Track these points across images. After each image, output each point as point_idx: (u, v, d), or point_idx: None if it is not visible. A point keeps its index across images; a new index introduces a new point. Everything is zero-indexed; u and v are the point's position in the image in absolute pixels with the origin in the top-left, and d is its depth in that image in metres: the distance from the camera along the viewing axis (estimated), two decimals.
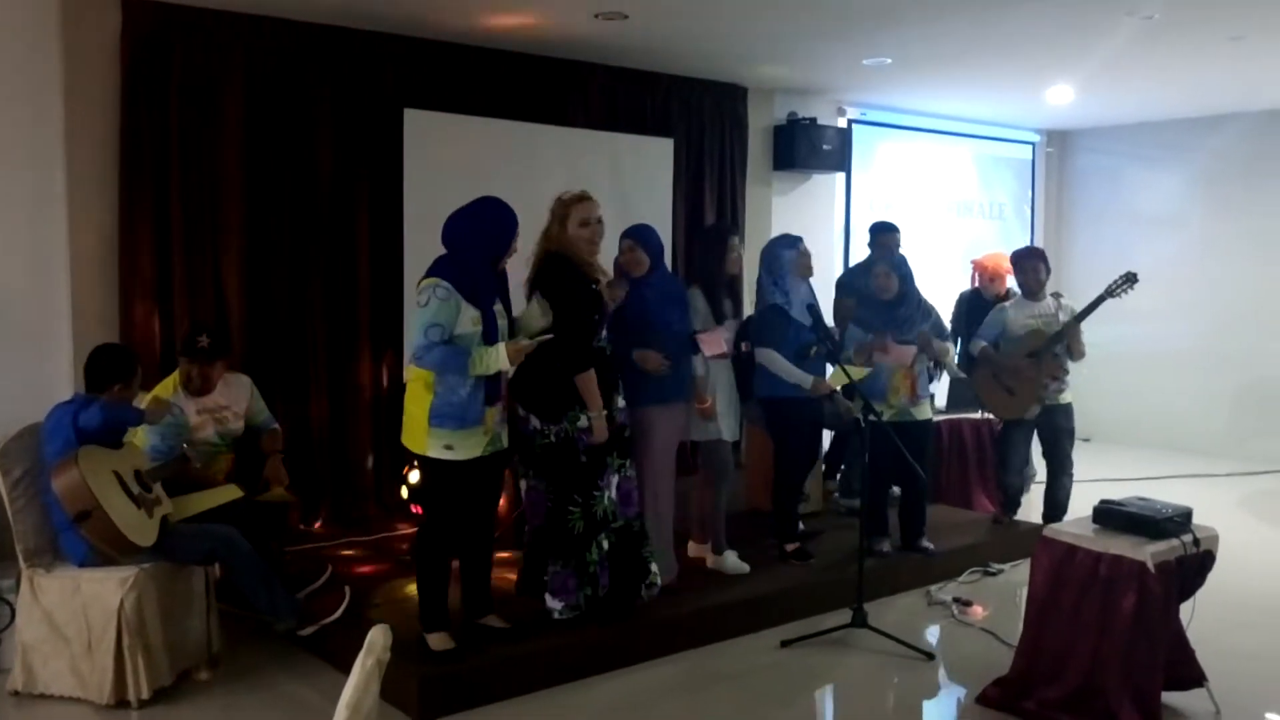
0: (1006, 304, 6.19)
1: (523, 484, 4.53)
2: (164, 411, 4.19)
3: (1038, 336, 5.92)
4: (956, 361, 6.32)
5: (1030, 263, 6.14)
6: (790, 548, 5.43)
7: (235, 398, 4.74)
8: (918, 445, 5.49)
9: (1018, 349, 5.97)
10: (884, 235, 6.50)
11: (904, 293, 5.56)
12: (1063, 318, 5.97)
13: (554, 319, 4.24)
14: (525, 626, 4.35)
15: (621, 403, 4.58)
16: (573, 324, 4.28)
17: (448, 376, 3.93)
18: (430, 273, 3.99)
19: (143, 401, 4.25)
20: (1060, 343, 5.88)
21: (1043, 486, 6.24)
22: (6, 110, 4.96)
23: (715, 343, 4.96)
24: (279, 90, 5.68)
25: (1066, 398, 6.08)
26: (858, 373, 5.21)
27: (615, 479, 4.49)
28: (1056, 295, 6.16)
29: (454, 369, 3.91)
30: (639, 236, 4.81)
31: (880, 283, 5.56)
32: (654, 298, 4.73)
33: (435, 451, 3.98)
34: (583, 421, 4.33)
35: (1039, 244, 9.91)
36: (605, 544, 4.44)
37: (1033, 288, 6.08)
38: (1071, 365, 6.01)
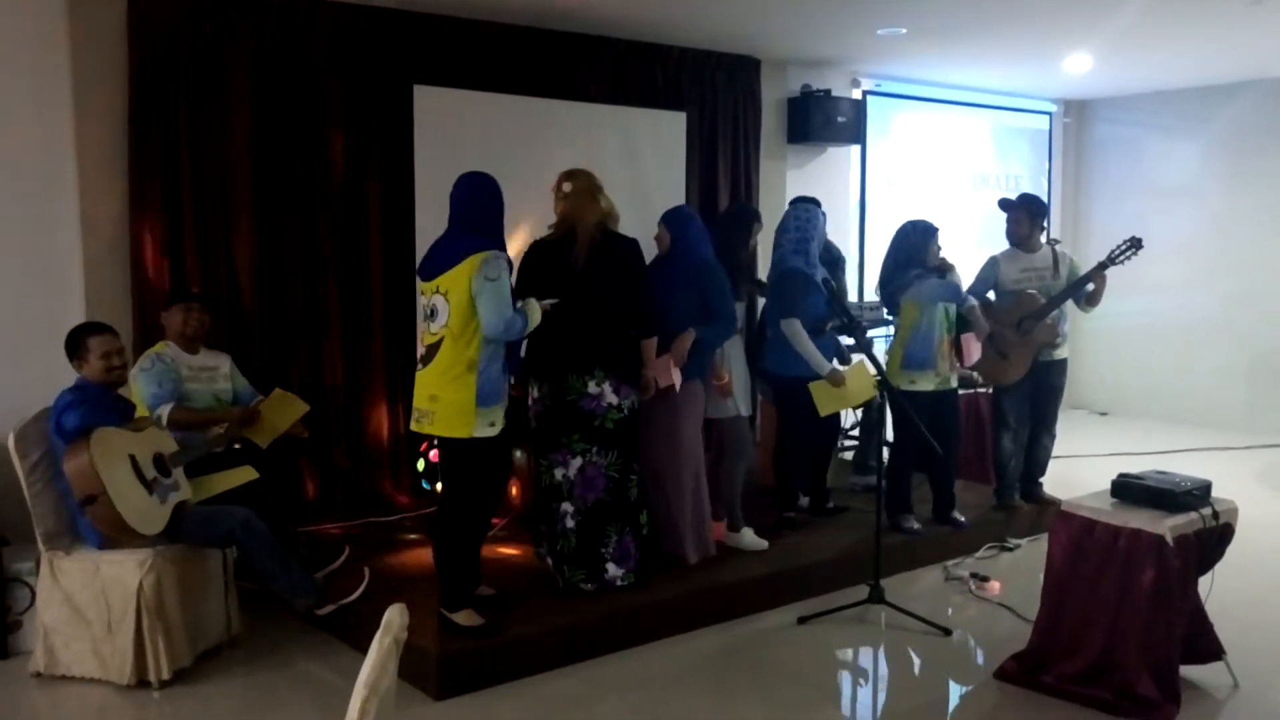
0: (998, 255, 5.94)
1: (577, 461, 4.49)
2: (146, 425, 4.25)
3: (1030, 300, 5.74)
4: None
5: (1012, 213, 5.89)
6: (789, 515, 5.56)
7: (219, 360, 4.82)
8: (954, 414, 5.51)
9: (1010, 310, 5.78)
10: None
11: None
12: (1062, 269, 5.81)
13: (632, 285, 4.42)
14: (525, 597, 4.45)
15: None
16: (647, 289, 4.47)
17: (490, 354, 4.00)
18: (483, 245, 4.01)
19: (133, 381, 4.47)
20: (1054, 310, 5.69)
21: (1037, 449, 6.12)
22: (15, 95, 4.93)
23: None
24: (288, 68, 5.64)
25: (1062, 353, 5.91)
26: (858, 376, 5.21)
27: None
28: (1053, 242, 5.95)
29: (523, 330, 4.09)
30: (666, 219, 4.96)
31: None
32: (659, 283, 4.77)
33: (481, 431, 4.03)
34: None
35: (1056, 215, 9.83)
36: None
37: (1016, 238, 5.86)
38: (1083, 325, 5.83)
